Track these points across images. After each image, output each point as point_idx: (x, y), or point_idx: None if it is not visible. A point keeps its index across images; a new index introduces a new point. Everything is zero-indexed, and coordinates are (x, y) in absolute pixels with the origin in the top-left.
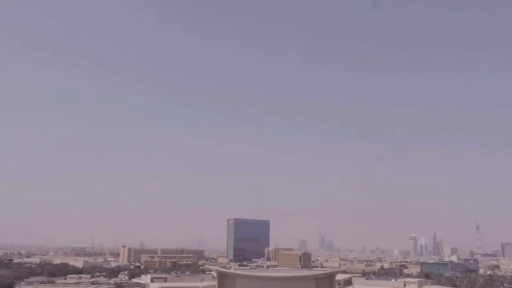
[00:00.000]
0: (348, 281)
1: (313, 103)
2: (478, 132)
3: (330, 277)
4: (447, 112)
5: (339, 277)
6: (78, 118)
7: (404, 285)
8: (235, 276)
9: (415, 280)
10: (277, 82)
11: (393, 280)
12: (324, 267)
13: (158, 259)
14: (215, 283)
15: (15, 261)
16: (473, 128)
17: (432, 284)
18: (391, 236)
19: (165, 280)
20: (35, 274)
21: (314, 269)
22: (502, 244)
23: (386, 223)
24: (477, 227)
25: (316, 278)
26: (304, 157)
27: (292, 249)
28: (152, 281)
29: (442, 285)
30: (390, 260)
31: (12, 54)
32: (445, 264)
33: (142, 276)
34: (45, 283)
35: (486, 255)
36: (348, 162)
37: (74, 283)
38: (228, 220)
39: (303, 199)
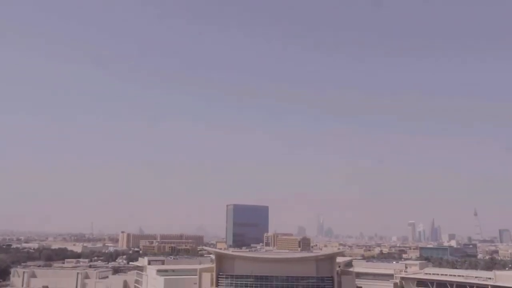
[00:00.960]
0: (349, 264)
1: (313, 92)
2: (477, 119)
3: (331, 258)
4: (445, 99)
5: (339, 259)
6: (80, 107)
7: (406, 267)
8: (233, 257)
9: (417, 262)
10: (280, 72)
11: (394, 262)
12: None
13: (157, 244)
14: (214, 265)
15: (14, 246)
16: (472, 115)
17: (433, 266)
18: (390, 223)
19: (162, 263)
20: (33, 258)
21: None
22: (500, 231)
23: (384, 210)
24: (475, 214)
25: (317, 259)
26: (304, 145)
27: (291, 235)
28: (149, 263)
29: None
30: (389, 245)
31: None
32: (444, 248)
33: (140, 259)
34: (42, 267)
35: (484, 241)
36: (347, 151)
37: (71, 267)
38: (227, 205)
39: (302, 187)
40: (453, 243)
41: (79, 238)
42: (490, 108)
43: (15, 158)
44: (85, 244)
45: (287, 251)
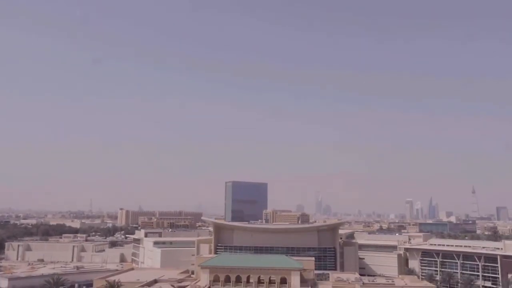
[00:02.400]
0: (350, 236)
1: (313, 71)
2: (475, 98)
3: (333, 229)
4: (443, 78)
5: (341, 232)
6: (80, 88)
7: (409, 239)
8: (232, 228)
9: (421, 234)
10: (281, 52)
11: (397, 234)
12: None
13: (155, 220)
14: (212, 237)
15: (12, 222)
16: (470, 94)
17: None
18: (387, 201)
19: (159, 235)
20: (30, 234)
21: None
22: (497, 208)
23: (382, 188)
24: (473, 192)
25: (318, 230)
26: (303, 124)
27: (290, 211)
28: (146, 236)
29: None
30: (388, 222)
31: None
32: (443, 224)
33: (136, 231)
34: (38, 241)
35: (481, 218)
36: (345, 129)
37: (68, 242)
38: (226, 183)
39: (301, 165)
40: (452, 219)
41: (78, 215)
42: (489, 87)
43: (16, 137)
44: (83, 221)
45: (288, 223)
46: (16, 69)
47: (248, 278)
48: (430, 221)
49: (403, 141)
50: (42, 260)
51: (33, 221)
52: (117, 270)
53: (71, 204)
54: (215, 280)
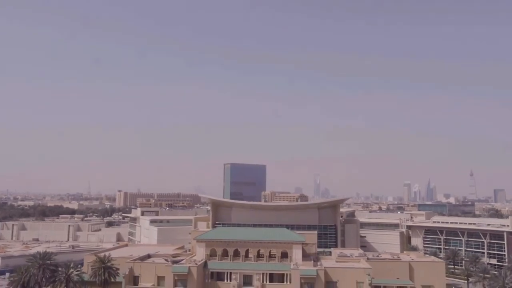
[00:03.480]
0: (351, 215)
1: (311, 55)
2: (474, 81)
3: (334, 206)
4: (441, 62)
5: (342, 210)
6: (79, 71)
7: (411, 217)
8: (231, 205)
9: (423, 212)
10: (281, 37)
11: (398, 212)
12: None
13: (153, 201)
14: (209, 215)
15: (9, 204)
16: (469, 78)
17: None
18: (385, 184)
19: (156, 213)
20: (27, 215)
21: None
22: (494, 190)
23: (380, 171)
24: (471, 174)
25: (319, 207)
26: (301, 107)
27: (288, 193)
28: (142, 214)
29: None
30: (387, 203)
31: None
32: (442, 205)
33: (133, 210)
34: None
35: (479, 200)
36: (343, 113)
37: (63, 221)
38: (224, 164)
39: (300, 149)
40: (451, 200)
41: (76, 197)
42: (488, 71)
43: (14, 120)
44: (81, 202)
45: (287, 201)
46: (14, 54)
47: (247, 252)
48: (429, 203)
49: (402, 125)
50: (37, 240)
51: (31, 203)
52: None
53: (70, 188)
54: (212, 254)
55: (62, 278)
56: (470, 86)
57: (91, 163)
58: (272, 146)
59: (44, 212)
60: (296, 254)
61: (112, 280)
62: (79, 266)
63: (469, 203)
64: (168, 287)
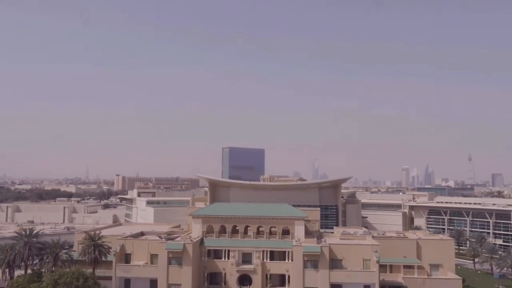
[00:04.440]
0: (352, 195)
1: (310, 40)
2: (471, 67)
3: (335, 186)
4: (440, 47)
5: (343, 191)
6: (78, 55)
7: (414, 197)
8: (229, 185)
9: (425, 193)
10: (279, 22)
11: (400, 193)
12: None
13: (151, 185)
14: (208, 197)
15: (6, 187)
16: (466, 63)
17: None
18: (384, 169)
19: (153, 195)
20: (24, 198)
21: None
22: (492, 175)
23: (378, 156)
24: (470, 159)
25: (320, 187)
26: (300, 92)
27: (287, 177)
28: (139, 195)
29: None
30: (386, 187)
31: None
32: (442, 189)
33: (129, 192)
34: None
35: (477, 185)
36: (342, 98)
37: (59, 204)
38: (223, 148)
39: (298, 133)
40: (451, 183)
41: (74, 181)
42: (486, 56)
43: (12, 105)
44: (79, 186)
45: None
46: (12, 39)
47: (246, 228)
48: (429, 186)
49: (400, 110)
50: (32, 222)
51: (28, 187)
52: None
53: (69, 173)
54: (209, 231)
55: (50, 256)
56: (467, 71)
57: (90, 149)
58: (271, 131)
59: (40, 195)
60: (298, 230)
61: (104, 259)
62: (71, 246)
63: (469, 186)
64: (162, 265)
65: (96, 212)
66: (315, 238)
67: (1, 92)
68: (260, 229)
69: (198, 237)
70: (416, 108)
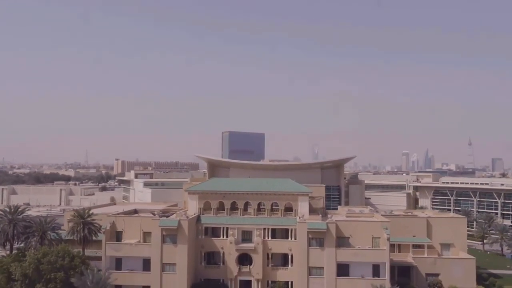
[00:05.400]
0: (355, 176)
1: (310, 25)
2: (472, 51)
3: (338, 166)
4: (441, 31)
5: (345, 172)
6: (78, 41)
7: (418, 178)
8: (228, 165)
9: (430, 173)
10: (277, 7)
11: (404, 174)
12: None
13: (151, 169)
14: (206, 178)
15: (4, 171)
16: (467, 47)
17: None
18: (384, 154)
19: (150, 176)
20: (21, 182)
21: None
22: (492, 159)
23: (378, 141)
24: (470, 144)
25: (322, 167)
26: (300, 77)
27: (287, 161)
28: (136, 177)
29: None
30: (386, 171)
31: None
32: (443, 172)
33: (126, 173)
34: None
35: (477, 169)
36: (341, 83)
37: (56, 186)
38: (222, 133)
39: (298, 118)
40: (452, 167)
41: (74, 166)
42: (485, 40)
43: (12, 91)
44: (78, 170)
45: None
46: (11, 24)
47: (246, 205)
48: (430, 170)
49: (400, 95)
50: (28, 204)
51: (26, 171)
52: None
53: (69, 158)
54: (206, 208)
55: (36, 235)
56: (466, 55)
57: (90, 135)
58: (271, 116)
59: (38, 179)
60: (302, 207)
61: (94, 238)
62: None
63: (470, 170)
64: (155, 243)
65: (93, 194)
66: (320, 215)
67: (3, 77)
68: (261, 205)
69: (194, 214)
70: (416, 93)
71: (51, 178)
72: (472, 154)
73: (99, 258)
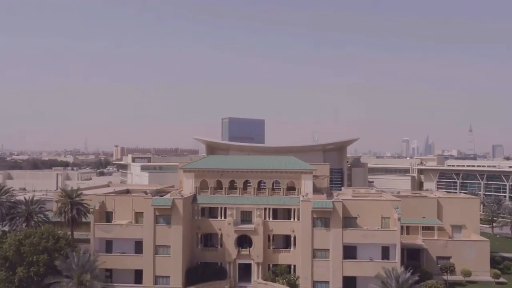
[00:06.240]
0: (357, 159)
1: (313, 12)
2: (473, 39)
3: (340, 149)
4: (442, 19)
5: (347, 156)
6: (78, 29)
7: (422, 162)
8: (227, 147)
9: (434, 157)
10: None
11: (407, 158)
12: None
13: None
14: None
15: (1, 157)
16: (468, 35)
17: None
18: (383, 140)
19: (148, 160)
20: (19, 168)
21: None
22: (493, 146)
23: (378, 129)
24: (470, 130)
25: (324, 149)
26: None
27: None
28: (133, 161)
29: None
30: (386, 157)
31: None
32: (445, 157)
33: (123, 157)
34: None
35: (478, 156)
36: (342, 71)
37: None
38: (222, 119)
39: (298, 105)
40: (453, 153)
41: (73, 152)
42: (486, 28)
43: (12, 80)
44: (77, 156)
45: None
46: (10, 12)
47: (245, 183)
48: (431, 156)
49: (400, 82)
50: (24, 189)
51: (25, 157)
52: None
53: (68, 146)
54: (203, 187)
55: (22, 216)
56: (466, 43)
57: (90, 123)
58: (271, 104)
59: (36, 165)
60: (306, 185)
61: (84, 219)
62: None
63: (471, 156)
64: (148, 224)
65: (91, 179)
66: (325, 195)
67: (3, 65)
68: (262, 184)
69: (190, 193)
70: (416, 81)
71: (49, 164)
72: (472, 141)
73: (89, 241)
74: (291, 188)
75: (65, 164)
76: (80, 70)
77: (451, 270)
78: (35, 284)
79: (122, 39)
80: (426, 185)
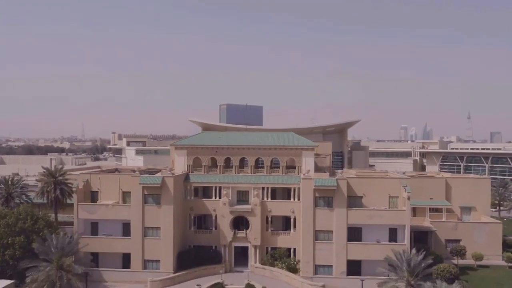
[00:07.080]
0: (358, 143)
1: (308, 2)
2: (472, 27)
3: (341, 131)
4: (442, 7)
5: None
6: (75, 16)
7: (424, 146)
8: (224, 129)
9: (436, 141)
10: None
11: (409, 141)
12: None
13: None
14: None
15: None
16: (467, 23)
17: None
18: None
19: (143, 144)
20: (14, 153)
21: None
22: (491, 133)
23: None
24: (469, 117)
25: (324, 131)
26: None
27: None
28: (128, 145)
29: None
30: (388, 141)
31: None
32: (446, 142)
33: (118, 141)
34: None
35: (476, 143)
36: (341, 58)
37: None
38: (220, 105)
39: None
40: (453, 139)
41: (70, 139)
42: (488, 17)
43: (8, 67)
44: (74, 143)
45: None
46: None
47: (241, 161)
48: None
49: (399, 69)
50: (17, 174)
51: (21, 143)
52: None
53: (66, 133)
54: (196, 165)
55: (1, 195)
56: (465, 31)
57: (88, 110)
58: (269, 91)
59: (31, 151)
60: (307, 163)
61: (68, 201)
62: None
63: (471, 141)
64: (136, 204)
65: (85, 164)
66: (327, 174)
67: (2, 54)
68: (259, 162)
69: (182, 171)
70: (415, 68)
71: (45, 150)
72: (470, 128)
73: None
74: (291, 166)
75: (61, 150)
76: (79, 58)
77: (462, 253)
78: (10, 268)
79: (121, 27)
80: (428, 169)
